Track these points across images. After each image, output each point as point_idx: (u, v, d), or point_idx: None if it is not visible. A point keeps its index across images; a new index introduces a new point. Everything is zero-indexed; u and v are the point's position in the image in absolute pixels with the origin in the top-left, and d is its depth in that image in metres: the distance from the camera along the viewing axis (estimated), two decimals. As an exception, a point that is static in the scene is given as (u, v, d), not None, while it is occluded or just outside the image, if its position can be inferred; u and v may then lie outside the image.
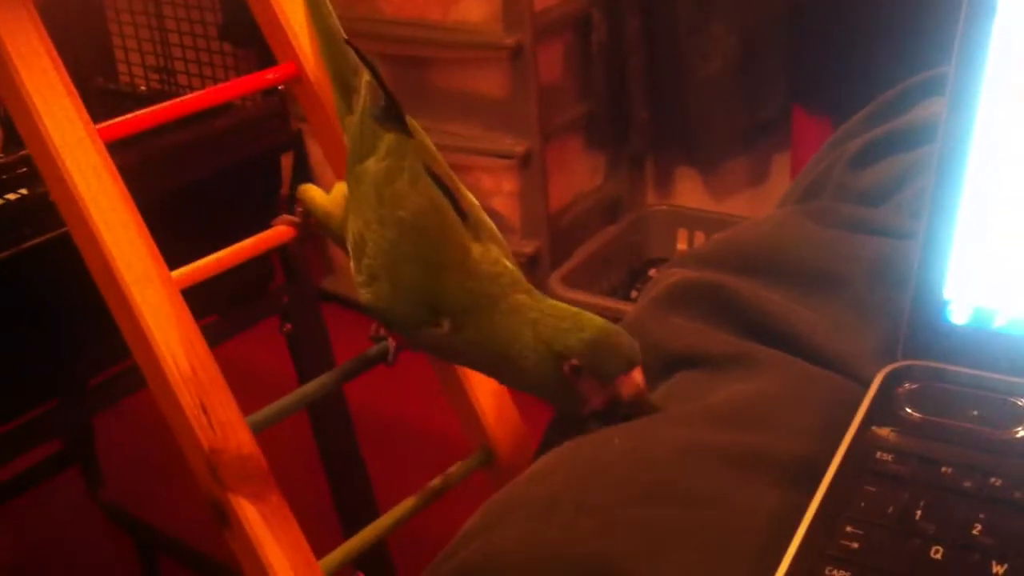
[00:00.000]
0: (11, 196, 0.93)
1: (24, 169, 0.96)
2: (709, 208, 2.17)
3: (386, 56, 2.01)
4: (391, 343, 0.63)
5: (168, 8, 1.25)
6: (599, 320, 0.54)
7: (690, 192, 2.22)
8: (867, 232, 0.57)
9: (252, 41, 1.55)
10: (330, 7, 0.64)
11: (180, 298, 0.57)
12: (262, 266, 1.13)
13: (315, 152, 1.74)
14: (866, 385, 0.46)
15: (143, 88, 1.24)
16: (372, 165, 0.58)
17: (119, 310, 0.57)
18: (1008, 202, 0.46)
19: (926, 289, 0.47)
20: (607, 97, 2.06)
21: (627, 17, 1.99)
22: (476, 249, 0.56)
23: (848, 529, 0.39)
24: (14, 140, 1.00)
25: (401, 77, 2.03)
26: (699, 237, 2.09)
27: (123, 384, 1.07)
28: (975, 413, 0.43)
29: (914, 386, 0.45)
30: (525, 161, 1.97)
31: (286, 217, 0.67)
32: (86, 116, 0.57)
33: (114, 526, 1.61)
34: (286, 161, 1.20)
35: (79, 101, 0.57)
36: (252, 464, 0.56)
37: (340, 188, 0.62)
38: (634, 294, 2.01)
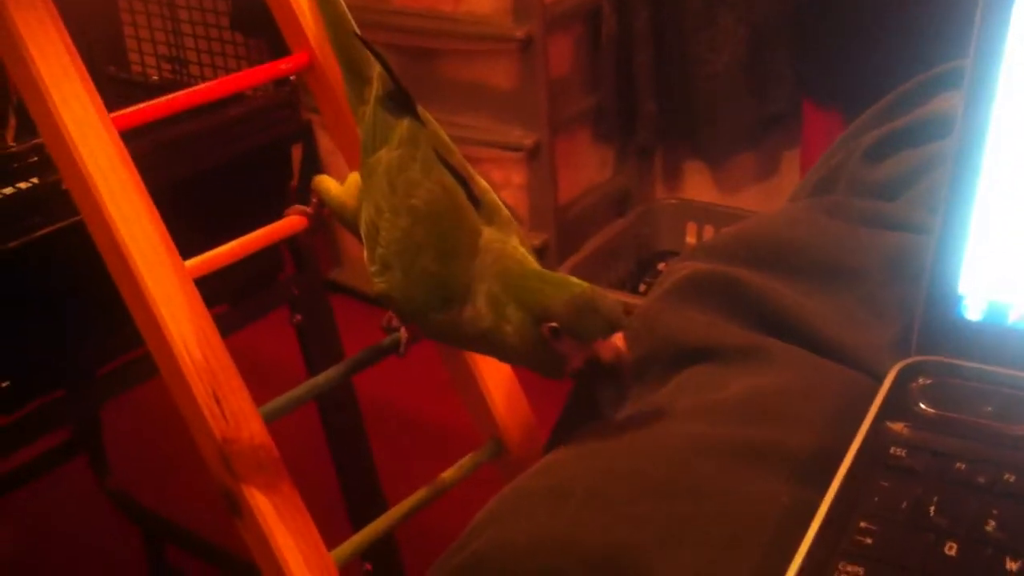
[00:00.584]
0: (23, 185, 0.93)
1: (35, 158, 0.96)
2: (718, 201, 2.17)
3: (395, 47, 2.00)
4: (403, 334, 0.63)
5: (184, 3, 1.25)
6: (584, 284, 0.52)
7: (699, 185, 2.21)
8: (881, 226, 0.57)
9: (263, 30, 1.55)
10: None
11: (193, 288, 0.57)
12: (272, 257, 1.13)
13: (325, 143, 1.74)
14: (879, 379, 0.46)
15: (155, 77, 1.24)
16: (385, 154, 0.58)
17: (132, 299, 0.57)
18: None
19: (941, 284, 0.47)
20: (616, 90, 2.06)
21: (637, 10, 1.99)
22: (487, 233, 0.56)
23: (862, 524, 0.39)
24: (26, 129, 1.00)
25: (410, 68, 2.03)
26: (708, 231, 2.08)
27: (131, 373, 1.07)
28: (989, 409, 0.43)
29: (928, 381, 0.45)
30: (534, 153, 1.97)
31: (298, 207, 0.67)
32: (100, 104, 0.57)
33: (121, 515, 1.62)
34: (296, 152, 1.20)
35: (94, 89, 0.57)
36: (264, 454, 0.56)
37: (354, 178, 0.62)
38: (643, 287, 2.01)
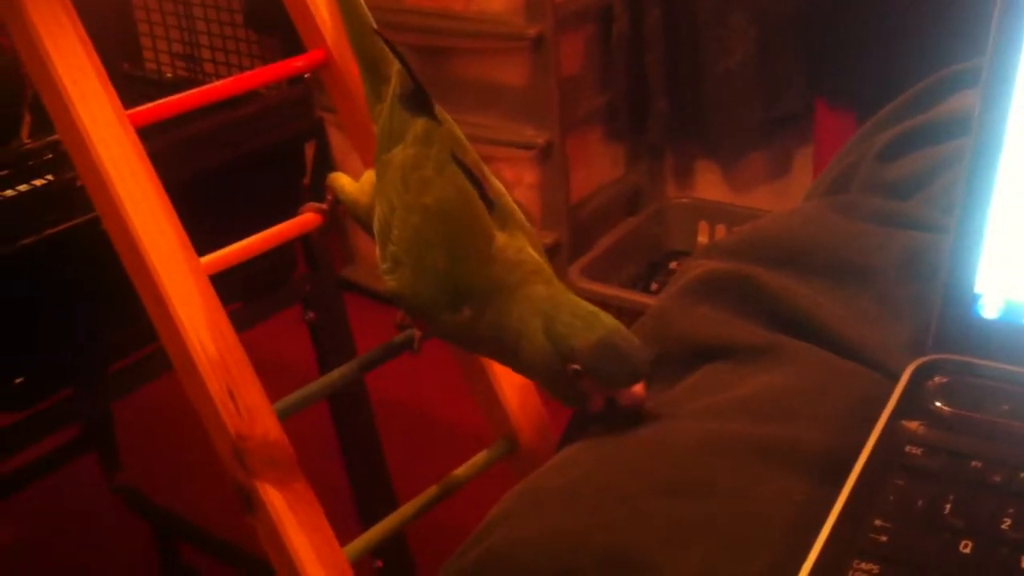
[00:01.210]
0: (38, 182, 0.93)
1: (50, 155, 0.96)
2: (730, 201, 2.17)
3: (407, 46, 2.00)
4: (416, 331, 0.63)
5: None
6: (611, 323, 0.52)
7: (710, 184, 2.21)
8: (896, 225, 0.57)
9: (276, 28, 1.55)
10: None
11: (208, 285, 0.58)
12: (284, 254, 1.14)
13: (337, 141, 1.75)
14: (894, 378, 0.46)
15: (169, 75, 1.24)
16: (399, 152, 0.58)
17: (148, 296, 0.57)
18: (1041, 196, 0.46)
19: (957, 283, 0.47)
20: (628, 88, 2.06)
21: (648, 8, 1.98)
22: (500, 237, 0.56)
23: (877, 522, 0.39)
24: (41, 126, 1.00)
25: (422, 67, 2.03)
26: (720, 230, 2.08)
27: (142, 371, 1.08)
28: (1005, 407, 0.43)
29: (944, 380, 0.45)
30: (546, 152, 1.97)
31: (313, 205, 0.67)
32: (117, 102, 0.58)
33: (132, 511, 1.62)
34: (309, 150, 1.20)
35: (110, 86, 0.58)
36: (278, 450, 0.57)
37: (369, 176, 0.63)
38: (654, 286, 2.01)
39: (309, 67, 0.67)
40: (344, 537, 0.60)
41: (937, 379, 0.45)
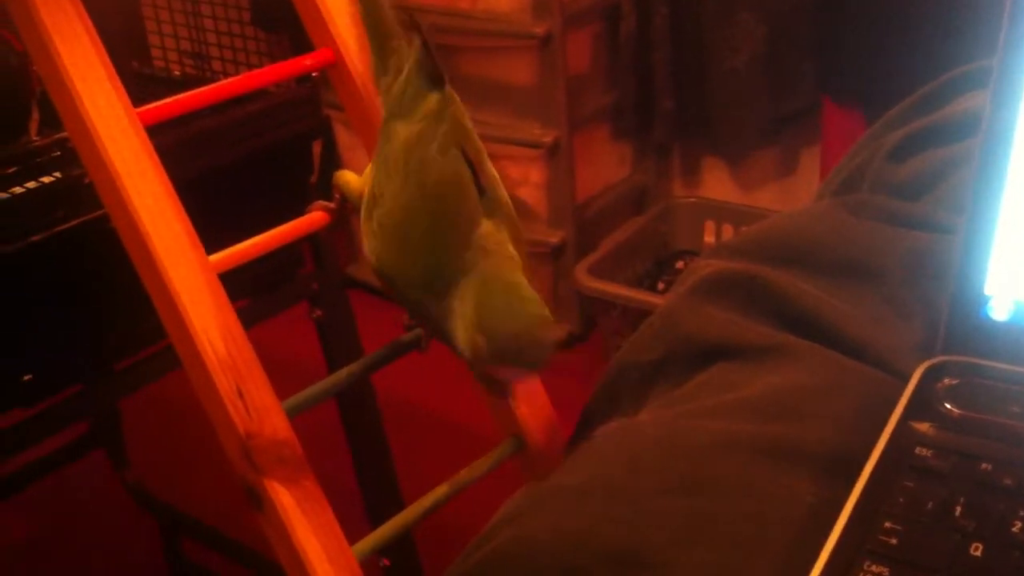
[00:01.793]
0: (45, 179, 0.93)
1: (58, 152, 0.96)
2: (736, 200, 2.16)
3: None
4: (424, 330, 0.63)
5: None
6: (534, 312, 0.54)
7: (717, 183, 2.21)
8: (905, 226, 0.57)
9: (283, 26, 1.55)
10: None
11: (218, 282, 0.57)
12: (291, 252, 1.14)
13: (343, 139, 1.75)
14: (903, 379, 0.46)
15: (177, 73, 1.25)
16: (405, 126, 0.58)
17: (157, 294, 0.57)
18: (1052, 197, 0.46)
19: (966, 284, 0.47)
20: (634, 87, 2.06)
21: (655, 6, 1.98)
22: (486, 225, 0.56)
23: (887, 524, 0.39)
24: (48, 123, 1.00)
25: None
26: (727, 229, 2.08)
27: (150, 369, 1.08)
28: (1016, 409, 0.43)
29: (954, 382, 0.45)
30: (552, 151, 1.97)
31: (321, 203, 0.67)
32: (126, 99, 0.57)
33: (139, 507, 1.63)
34: (315, 148, 1.20)
35: (119, 84, 0.58)
36: (287, 449, 0.57)
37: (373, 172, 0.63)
38: (660, 286, 2.01)
39: (318, 66, 0.66)
40: (352, 535, 0.60)
41: (947, 381, 0.45)
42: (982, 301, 0.47)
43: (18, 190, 0.92)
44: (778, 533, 0.40)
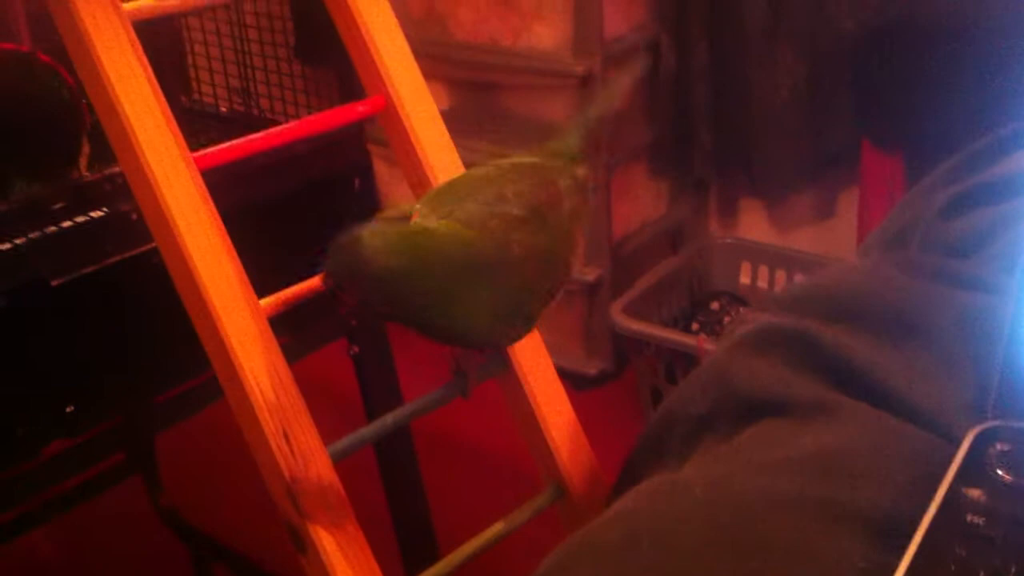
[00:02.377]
0: (95, 213, 0.95)
1: (108, 187, 0.98)
2: (773, 240, 2.15)
3: (455, 80, 2.02)
4: (470, 377, 0.64)
5: (247, 29, 1.27)
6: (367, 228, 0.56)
7: (754, 223, 2.20)
8: (956, 285, 0.56)
9: (325, 61, 1.57)
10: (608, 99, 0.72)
11: (267, 326, 0.58)
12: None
13: (382, 174, 1.76)
14: (953, 441, 0.45)
15: (224, 109, 1.26)
16: (564, 177, 0.63)
17: (207, 335, 0.58)
18: (1108, 263, 0.45)
19: (1019, 346, 0.46)
20: (673, 124, 2.06)
21: (695, 45, 1.99)
22: None
23: (939, 593, 0.38)
24: (99, 156, 1.01)
25: (469, 100, 2.04)
26: (763, 271, 2.07)
27: (188, 402, 1.09)
28: (1069, 478, 0.43)
29: (1006, 447, 0.45)
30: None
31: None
32: (183, 143, 0.58)
33: (172, 533, 1.63)
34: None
35: (176, 129, 0.59)
36: (331, 494, 0.57)
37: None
38: (695, 326, 2.00)
39: (370, 112, 0.67)
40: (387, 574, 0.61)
41: (999, 446, 0.45)
42: (1035, 365, 0.46)
43: (67, 224, 0.93)
44: (830, 597, 0.40)
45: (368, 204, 1.17)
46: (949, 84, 1.66)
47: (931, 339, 0.53)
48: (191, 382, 1.08)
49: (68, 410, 0.94)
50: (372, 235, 0.56)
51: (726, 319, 1.98)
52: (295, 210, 1.11)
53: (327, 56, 1.40)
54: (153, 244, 0.60)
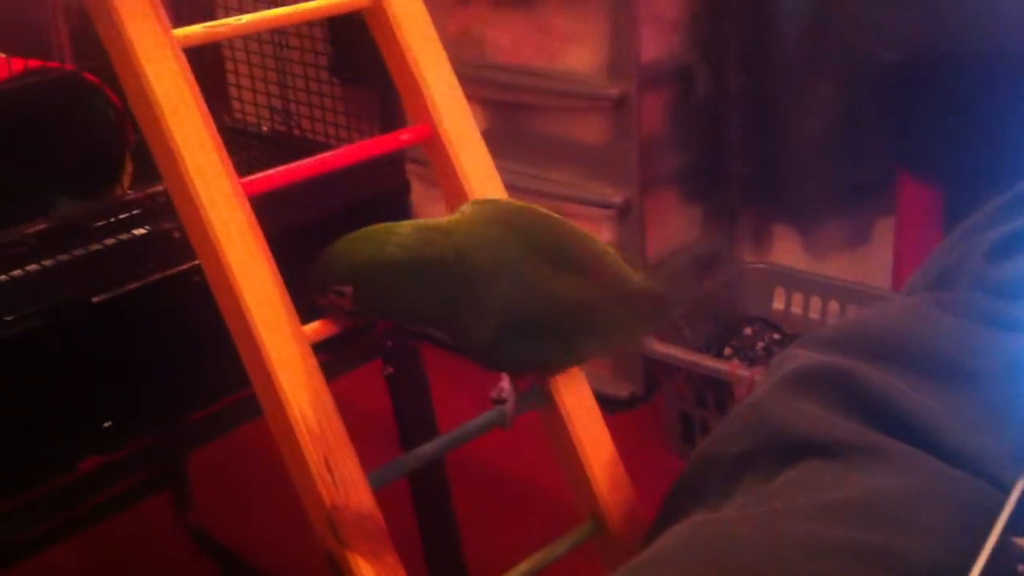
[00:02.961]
0: (137, 231, 0.95)
1: (150, 205, 0.98)
2: (806, 267, 2.14)
3: (489, 101, 2.03)
4: (509, 408, 0.64)
5: (288, 50, 1.28)
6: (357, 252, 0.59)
7: (787, 250, 2.19)
8: (1004, 327, 0.56)
9: (362, 80, 1.58)
10: None
11: (311, 353, 0.58)
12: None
13: (417, 192, 1.76)
14: (1003, 489, 0.45)
15: (265, 129, 1.27)
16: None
17: (251, 362, 0.58)
18: None
19: (1069, 394, 0.46)
20: (706, 150, 2.06)
21: (730, 70, 1.99)
22: None
23: (989, 645, 0.38)
24: (141, 175, 1.02)
25: (504, 122, 2.05)
26: (796, 298, 2.06)
27: (222, 421, 1.09)
28: (1123, 529, 0.42)
29: (1057, 497, 0.44)
30: (623, 211, 1.97)
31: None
32: (231, 169, 0.59)
33: (196, 551, 1.64)
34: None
35: (225, 154, 0.59)
36: (371, 523, 0.57)
37: None
38: (727, 351, 1.99)
39: (415, 141, 0.68)
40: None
41: (1050, 495, 0.44)
42: (1087, 413, 0.46)
43: (110, 242, 0.94)
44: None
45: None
46: (988, 116, 1.65)
47: (978, 383, 0.53)
48: (225, 400, 1.08)
49: (105, 426, 0.95)
50: (353, 239, 0.61)
51: (759, 344, 1.97)
52: (336, 232, 1.12)
53: (365, 76, 1.41)
54: (194, 262, 0.61)
